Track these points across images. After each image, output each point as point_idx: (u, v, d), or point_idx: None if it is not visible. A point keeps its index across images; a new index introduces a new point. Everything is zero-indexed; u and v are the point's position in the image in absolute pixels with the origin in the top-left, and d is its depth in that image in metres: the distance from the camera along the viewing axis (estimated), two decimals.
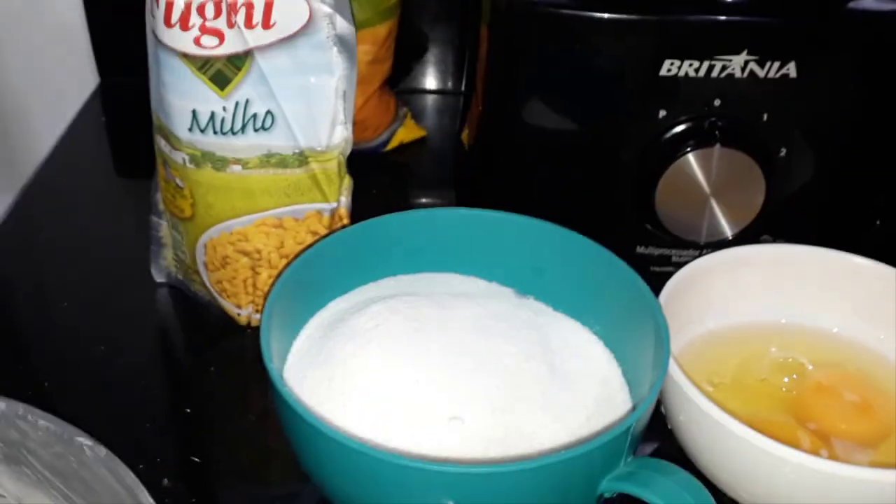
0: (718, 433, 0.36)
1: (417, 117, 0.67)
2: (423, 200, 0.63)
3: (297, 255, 0.40)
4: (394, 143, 0.64)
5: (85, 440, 0.34)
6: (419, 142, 0.66)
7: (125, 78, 0.69)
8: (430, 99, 0.71)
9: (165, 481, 0.41)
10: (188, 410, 0.45)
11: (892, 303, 0.44)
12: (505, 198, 0.50)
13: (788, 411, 0.42)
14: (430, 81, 0.71)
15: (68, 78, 0.72)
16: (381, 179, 0.62)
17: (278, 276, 0.39)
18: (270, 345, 0.35)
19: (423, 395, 0.37)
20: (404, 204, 0.62)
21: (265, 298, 0.38)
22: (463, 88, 0.68)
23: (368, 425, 0.36)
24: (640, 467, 0.33)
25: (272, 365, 0.34)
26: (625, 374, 0.40)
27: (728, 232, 0.46)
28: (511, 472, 0.31)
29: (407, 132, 0.65)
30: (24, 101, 0.73)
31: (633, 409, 0.38)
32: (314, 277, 0.41)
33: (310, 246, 0.41)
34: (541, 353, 0.40)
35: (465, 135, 0.58)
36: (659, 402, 0.39)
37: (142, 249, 0.51)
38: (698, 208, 0.45)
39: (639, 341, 0.39)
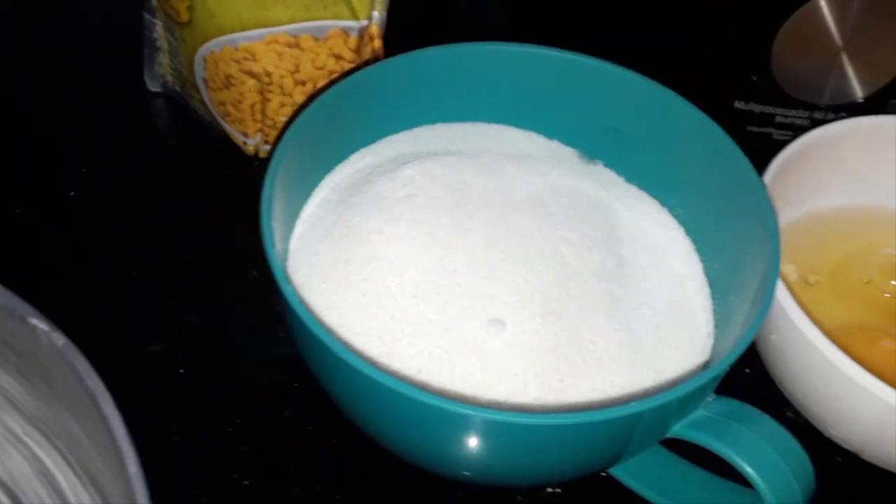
0: (812, 360, 0.29)
1: None
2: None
3: (316, 94, 0.32)
4: None
5: (39, 324, 0.27)
6: None
7: None
8: None
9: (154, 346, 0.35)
10: (183, 257, 0.39)
11: None
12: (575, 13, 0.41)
13: (892, 323, 0.35)
14: None
15: None
16: None
17: (291, 119, 0.31)
18: (272, 218, 0.28)
19: (458, 289, 0.29)
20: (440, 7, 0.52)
21: (274, 146, 0.30)
22: None
23: (389, 324, 0.29)
24: (719, 413, 0.27)
25: (274, 253, 0.27)
26: (707, 271, 0.33)
27: (858, 93, 0.36)
28: (553, 425, 0.24)
29: None
30: None
31: (713, 322, 0.32)
32: (336, 123, 0.32)
33: (333, 83, 0.32)
34: (607, 240, 0.33)
35: None
36: None
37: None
38: (825, 63, 0.36)
39: (730, 234, 0.32)
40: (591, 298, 0.31)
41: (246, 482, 0.32)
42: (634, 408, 0.24)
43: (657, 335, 0.31)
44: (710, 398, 0.27)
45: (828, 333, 0.33)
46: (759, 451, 0.26)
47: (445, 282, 0.30)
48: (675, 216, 0.34)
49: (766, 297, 0.27)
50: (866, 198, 0.36)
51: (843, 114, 0.38)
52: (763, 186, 0.30)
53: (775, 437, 0.26)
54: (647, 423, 0.26)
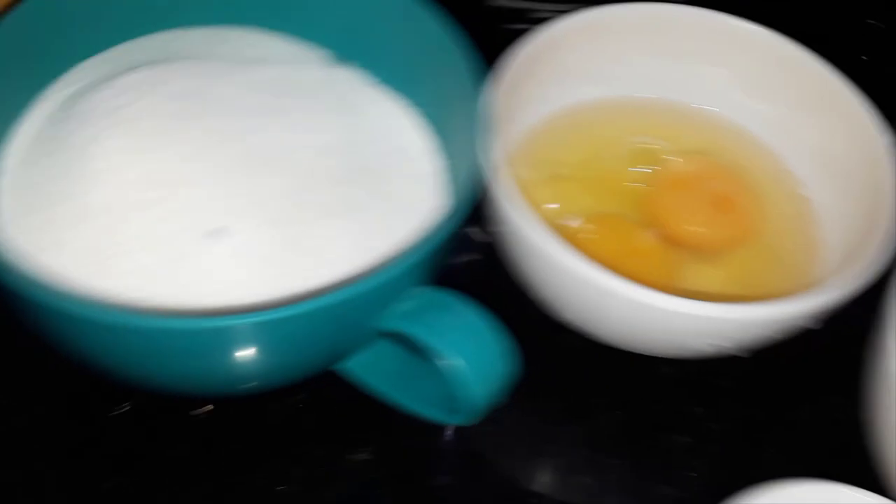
0: (530, 246, 0.30)
1: None
2: None
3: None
4: None
5: None
6: None
7: None
8: None
9: None
10: None
11: (783, 80, 0.37)
12: None
13: (640, 209, 0.37)
14: None
15: None
16: None
17: None
18: None
19: (176, 200, 0.29)
20: None
21: None
22: None
23: (103, 240, 0.28)
24: (426, 304, 0.27)
25: None
26: (448, 170, 0.33)
27: None
28: (241, 324, 0.25)
29: None
30: None
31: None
32: (50, 30, 0.31)
33: None
34: (348, 144, 0.32)
35: None
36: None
37: None
38: None
39: (465, 133, 0.32)
40: (327, 203, 0.31)
41: None
42: (314, 303, 0.25)
43: (396, 237, 0.31)
44: (421, 290, 0.28)
45: (579, 223, 0.35)
46: (460, 339, 0.27)
47: (162, 193, 0.29)
48: (421, 116, 0.34)
49: (467, 190, 0.28)
50: (608, 90, 0.37)
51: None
52: (475, 81, 0.31)
53: (476, 324, 0.27)
54: (345, 314, 0.26)
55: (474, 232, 0.34)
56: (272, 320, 0.25)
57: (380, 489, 0.31)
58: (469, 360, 0.26)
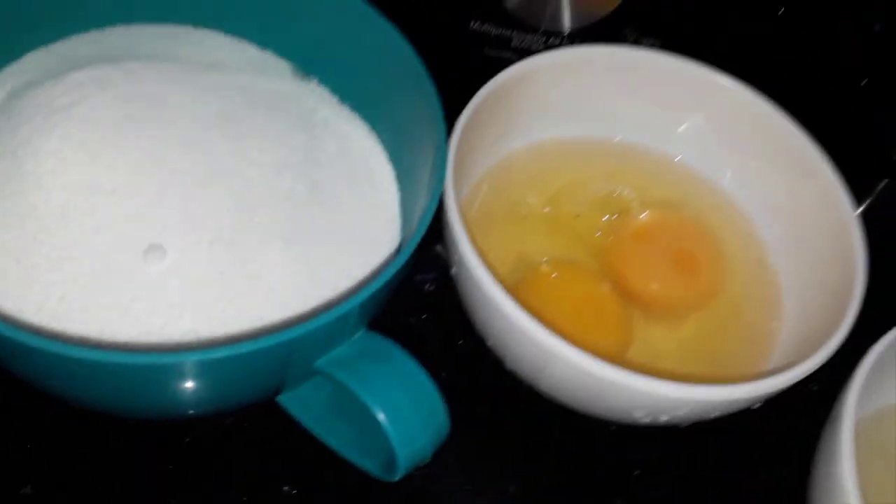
0: (480, 295, 0.29)
1: None
2: None
3: None
4: None
5: None
6: None
7: None
8: None
9: None
10: None
11: (758, 138, 0.36)
12: None
13: (600, 259, 0.35)
14: None
15: None
16: None
17: None
18: None
19: (114, 211, 0.27)
20: None
21: None
22: None
23: (31, 246, 0.27)
24: (360, 352, 0.26)
25: None
26: (403, 201, 0.32)
27: (566, 25, 0.35)
28: (166, 363, 0.23)
29: None
30: None
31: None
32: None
33: None
34: (302, 164, 0.31)
35: None
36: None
37: None
38: None
39: (425, 165, 0.31)
40: (273, 226, 0.29)
41: None
42: (244, 347, 0.23)
43: (340, 268, 0.30)
44: (359, 334, 0.27)
45: (536, 266, 0.33)
46: (389, 392, 0.25)
47: (99, 202, 0.27)
48: (383, 141, 0.33)
49: (420, 231, 0.27)
50: (580, 130, 0.36)
51: (578, 41, 0.38)
52: (440, 116, 0.29)
53: (408, 378, 0.26)
54: (278, 356, 0.25)
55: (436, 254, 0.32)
56: (200, 360, 0.24)
57: None
58: (392, 415, 0.25)
